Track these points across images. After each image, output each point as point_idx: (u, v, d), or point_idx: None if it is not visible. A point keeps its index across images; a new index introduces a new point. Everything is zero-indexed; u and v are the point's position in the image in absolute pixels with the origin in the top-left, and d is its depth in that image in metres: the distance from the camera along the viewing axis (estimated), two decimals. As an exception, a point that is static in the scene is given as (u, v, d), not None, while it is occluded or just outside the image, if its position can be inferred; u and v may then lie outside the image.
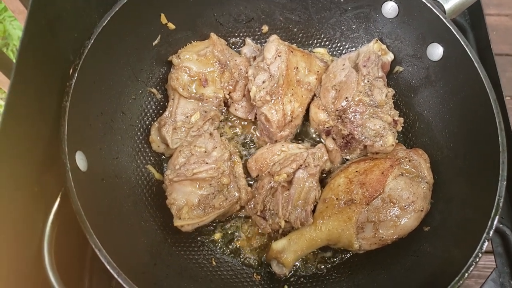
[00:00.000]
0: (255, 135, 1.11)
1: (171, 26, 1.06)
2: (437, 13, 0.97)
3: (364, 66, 1.03)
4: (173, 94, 1.05)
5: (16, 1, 1.23)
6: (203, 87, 1.05)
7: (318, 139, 1.11)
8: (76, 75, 0.82)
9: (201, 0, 1.07)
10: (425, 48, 1.03)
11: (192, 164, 0.95)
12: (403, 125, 1.04)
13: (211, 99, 1.05)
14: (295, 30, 1.19)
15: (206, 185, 0.94)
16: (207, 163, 0.95)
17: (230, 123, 1.12)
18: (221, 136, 1.02)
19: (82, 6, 0.98)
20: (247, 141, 1.11)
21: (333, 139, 1.05)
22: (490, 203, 0.80)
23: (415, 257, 0.90)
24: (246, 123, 1.12)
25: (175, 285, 0.86)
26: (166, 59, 1.09)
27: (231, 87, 1.07)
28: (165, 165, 1.06)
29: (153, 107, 1.09)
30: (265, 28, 1.19)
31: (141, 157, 1.03)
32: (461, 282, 0.74)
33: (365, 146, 1.01)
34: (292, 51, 1.04)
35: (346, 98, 1.00)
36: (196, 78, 1.04)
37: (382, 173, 0.93)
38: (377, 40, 1.08)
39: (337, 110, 1.02)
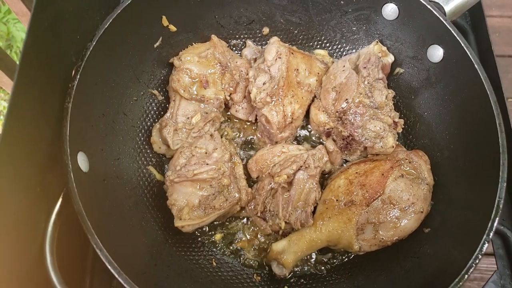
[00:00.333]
0: (255, 137, 1.11)
1: (173, 28, 1.07)
2: (437, 15, 0.98)
3: (365, 67, 1.03)
4: (174, 96, 1.06)
5: (19, 3, 1.24)
6: (204, 88, 1.06)
7: (316, 140, 1.11)
8: (78, 76, 0.83)
9: (202, 2, 1.08)
10: (426, 50, 1.04)
11: (193, 165, 0.95)
12: (403, 126, 1.04)
13: (212, 101, 1.06)
14: (296, 32, 1.19)
15: (206, 186, 0.94)
16: (207, 164, 0.96)
17: (230, 125, 1.13)
18: (221, 138, 1.02)
19: (85, 8, 0.99)
20: (248, 143, 1.11)
21: (334, 140, 1.06)
22: (490, 205, 0.80)
23: (415, 258, 0.90)
24: (246, 124, 1.13)
25: (175, 285, 0.87)
26: (167, 61, 1.10)
27: (231, 88, 1.08)
28: (166, 166, 1.07)
29: (155, 108, 1.10)
30: (265, 30, 1.19)
31: (142, 158, 1.03)
32: (461, 283, 0.74)
33: (365, 148, 1.01)
34: (292, 53, 1.05)
35: (346, 99, 1.01)
36: (197, 79, 1.05)
37: (382, 174, 0.93)
38: (377, 42, 1.09)
39: (337, 112, 1.02)
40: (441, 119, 1.02)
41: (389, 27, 1.10)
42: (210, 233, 1.01)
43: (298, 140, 1.11)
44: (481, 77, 0.90)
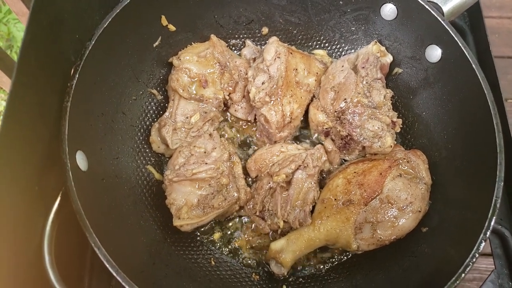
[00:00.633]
0: (254, 136, 1.11)
1: (172, 27, 1.07)
2: (436, 15, 0.98)
3: (363, 67, 1.04)
4: (173, 95, 1.06)
5: (19, 3, 1.24)
6: (203, 88, 1.06)
7: (315, 140, 1.11)
8: (77, 75, 0.83)
9: (202, 2, 1.08)
10: (424, 50, 1.04)
11: (192, 165, 0.95)
12: (401, 126, 1.05)
13: (211, 100, 1.06)
14: (295, 32, 1.20)
15: (205, 185, 0.95)
16: (206, 163, 0.96)
17: (229, 124, 1.13)
18: (220, 137, 1.03)
19: (84, 8, 1.00)
20: (247, 142, 1.11)
21: (332, 140, 1.06)
22: (488, 204, 0.80)
23: (413, 257, 0.90)
24: (245, 124, 1.13)
25: (174, 284, 0.87)
26: (166, 61, 1.10)
27: (231, 88, 1.08)
28: (165, 165, 1.07)
29: (154, 108, 1.10)
30: (265, 30, 1.20)
31: (141, 158, 1.03)
32: (458, 282, 0.75)
33: (364, 147, 1.01)
34: (291, 53, 1.05)
35: (345, 99, 1.01)
36: (196, 79, 1.05)
37: (380, 174, 0.93)
38: (376, 42, 1.09)
39: (336, 111, 1.03)
40: (439, 119, 1.03)
41: (387, 27, 1.10)
42: (208, 232, 1.01)
43: (296, 140, 1.11)
44: (479, 77, 0.90)
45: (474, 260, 0.76)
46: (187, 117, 1.04)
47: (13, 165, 0.73)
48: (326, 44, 1.21)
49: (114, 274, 0.71)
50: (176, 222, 0.91)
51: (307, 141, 1.11)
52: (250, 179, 1.05)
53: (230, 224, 1.02)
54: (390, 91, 1.05)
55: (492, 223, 0.78)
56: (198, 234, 1.00)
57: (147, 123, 1.07)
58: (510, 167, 0.84)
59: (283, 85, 1.01)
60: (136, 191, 0.97)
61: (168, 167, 0.99)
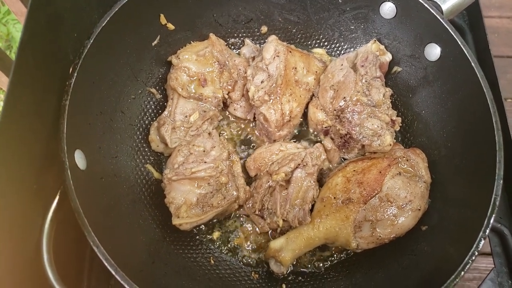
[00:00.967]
0: (253, 135, 1.11)
1: (171, 26, 1.07)
2: (435, 13, 0.98)
3: (362, 66, 1.04)
4: (172, 94, 1.06)
5: (18, 3, 1.24)
6: (202, 87, 1.06)
7: (314, 138, 1.11)
8: (76, 74, 0.83)
9: (201, 1, 1.08)
10: (423, 49, 1.04)
11: (191, 163, 0.95)
12: (401, 124, 1.04)
13: (210, 99, 1.06)
14: (294, 30, 1.20)
15: (204, 184, 0.94)
16: (205, 162, 0.96)
17: (229, 123, 1.13)
18: (219, 136, 1.03)
19: (82, 6, 0.99)
20: (246, 141, 1.11)
21: (331, 138, 1.06)
22: (487, 202, 0.80)
23: (413, 256, 0.90)
24: (245, 123, 1.13)
25: (173, 283, 0.87)
26: (165, 59, 1.10)
27: (230, 87, 1.08)
28: (164, 164, 1.07)
29: (153, 106, 1.10)
30: (264, 29, 1.20)
31: (140, 156, 1.03)
32: (457, 280, 0.75)
33: (363, 146, 1.01)
34: (290, 51, 1.05)
35: (344, 98, 1.01)
36: (195, 78, 1.05)
37: (380, 172, 0.93)
38: (375, 40, 1.09)
39: (335, 110, 1.02)
40: (439, 117, 1.03)
41: (387, 25, 1.10)
42: (208, 231, 1.01)
43: (296, 139, 1.11)
44: (478, 75, 0.90)
45: (473, 258, 0.76)
46: (186, 116, 1.04)
47: (11, 164, 0.73)
48: (325, 43, 1.21)
49: (113, 273, 0.71)
50: (175, 221, 0.91)
51: (307, 139, 1.11)
52: (249, 178, 1.04)
53: (229, 223, 1.02)
54: (390, 89, 1.05)
55: (492, 221, 0.78)
56: (197, 233, 1.00)
57: (146, 122, 1.07)
58: (509, 165, 0.84)
59: (282, 83, 1.01)
60: (135, 190, 0.97)
61: (167, 166, 0.99)
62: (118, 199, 0.90)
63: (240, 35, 1.19)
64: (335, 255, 0.99)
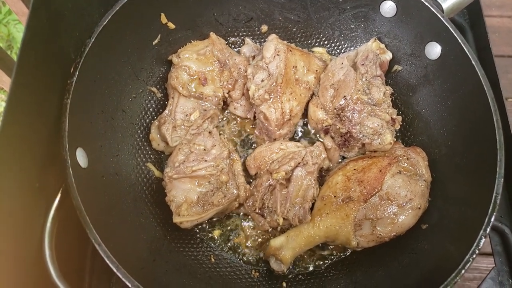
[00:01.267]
0: (254, 134, 1.11)
1: (171, 25, 1.07)
2: (435, 12, 0.98)
3: (362, 64, 1.04)
4: (173, 93, 1.06)
5: (19, 3, 1.24)
6: (202, 86, 1.06)
7: (314, 137, 1.11)
8: (77, 73, 0.83)
9: (201, 0, 1.08)
10: (423, 47, 1.04)
11: (191, 162, 0.95)
12: (401, 123, 1.04)
13: (210, 98, 1.06)
14: (294, 29, 1.20)
15: (205, 183, 0.95)
16: (206, 160, 0.96)
17: (229, 122, 1.13)
18: (220, 135, 1.03)
19: (84, 5, 1.00)
20: (246, 140, 1.11)
21: (332, 137, 1.06)
22: (488, 201, 0.80)
23: (413, 254, 0.90)
24: (245, 121, 1.13)
25: (174, 281, 0.87)
26: (166, 58, 1.10)
27: (230, 86, 1.08)
28: (164, 163, 1.07)
29: (153, 105, 1.10)
30: (264, 28, 1.20)
31: (141, 155, 1.04)
32: (457, 278, 0.75)
33: (363, 144, 1.01)
34: (290, 50, 1.05)
35: (344, 96, 1.01)
36: (195, 77, 1.05)
37: (380, 171, 0.93)
38: (375, 39, 1.09)
39: (335, 109, 1.03)
40: (439, 116, 1.03)
41: (387, 24, 1.10)
42: (208, 229, 1.01)
43: (296, 137, 1.11)
44: (479, 74, 0.90)
45: (474, 256, 0.76)
46: (186, 115, 1.05)
47: (13, 162, 0.73)
48: (326, 42, 1.21)
49: (115, 270, 0.71)
50: (176, 219, 0.91)
51: (307, 138, 1.11)
52: (250, 176, 1.05)
53: (230, 221, 1.02)
54: (390, 88, 1.05)
55: (492, 219, 0.78)
56: (198, 231, 1.01)
57: (147, 120, 1.08)
58: (510, 163, 0.84)
59: (282, 82, 1.02)
60: (136, 188, 0.97)
61: (168, 165, 0.99)
62: (119, 197, 0.91)
63: (240, 34, 1.19)
64: (335, 254, 0.99)
